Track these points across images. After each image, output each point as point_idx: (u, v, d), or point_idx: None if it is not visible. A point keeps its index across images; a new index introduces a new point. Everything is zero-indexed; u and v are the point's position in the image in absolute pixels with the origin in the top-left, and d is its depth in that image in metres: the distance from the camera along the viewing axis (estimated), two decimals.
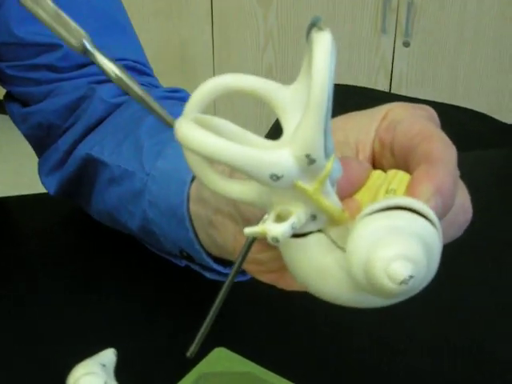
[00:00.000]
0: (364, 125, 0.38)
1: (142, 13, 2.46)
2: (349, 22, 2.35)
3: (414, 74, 2.38)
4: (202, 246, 0.54)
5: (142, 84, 0.70)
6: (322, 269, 0.28)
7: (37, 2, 0.24)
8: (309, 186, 0.27)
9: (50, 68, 0.68)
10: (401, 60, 2.36)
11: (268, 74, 2.44)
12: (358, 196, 0.32)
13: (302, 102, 0.27)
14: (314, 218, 0.29)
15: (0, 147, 2.49)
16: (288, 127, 0.27)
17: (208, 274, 0.58)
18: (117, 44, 0.70)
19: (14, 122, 0.73)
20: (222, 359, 0.54)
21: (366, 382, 0.56)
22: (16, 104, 0.72)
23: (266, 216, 0.29)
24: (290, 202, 0.28)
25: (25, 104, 0.71)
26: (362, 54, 2.39)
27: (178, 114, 0.61)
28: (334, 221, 0.29)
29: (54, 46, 0.66)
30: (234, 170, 0.26)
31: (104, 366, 0.33)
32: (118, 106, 0.67)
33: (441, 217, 0.31)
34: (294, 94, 0.28)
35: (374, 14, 2.31)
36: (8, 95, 0.73)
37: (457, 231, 0.37)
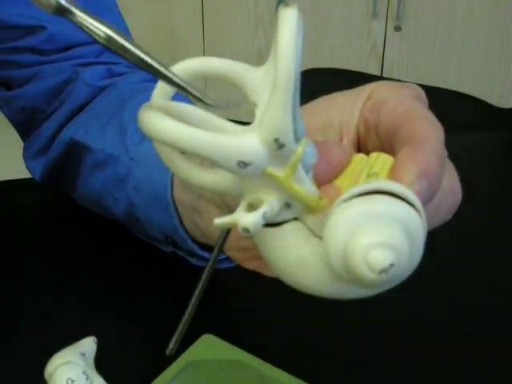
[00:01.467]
0: (348, 105, 0.37)
1: None
2: (340, 6, 2.34)
3: (406, 59, 2.37)
4: (186, 232, 0.53)
5: (128, 66, 0.69)
6: (299, 259, 0.27)
7: None
8: (280, 173, 0.26)
9: (33, 50, 0.66)
10: (392, 45, 2.35)
11: (259, 59, 2.43)
12: (338, 182, 0.31)
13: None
14: (288, 206, 0.27)
15: None
16: (258, 111, 0.26)
17: (194, 261, 0.57)
18: None
19: None
20: (209, 346, 0.54)
21: (359, 370, 0.55)
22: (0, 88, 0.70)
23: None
24: (261, 190, 0.26)
25: (8, 88, 0.69)
26: (353, 39, 2.37)
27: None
28: (310, 208, 0.27)
29: (37, 28, 0.65)
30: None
31: (83, 354, 0.32)
32: (103, 89, 0.66)
33: (427, 200, 0.30)
34: (264, 75, 0.26)
35: None
36: None
37: (445, 215, 0.35)
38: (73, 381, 0.30)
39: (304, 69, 1.21)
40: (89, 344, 0.34)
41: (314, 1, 2.35)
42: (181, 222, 0.53)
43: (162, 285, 0.63)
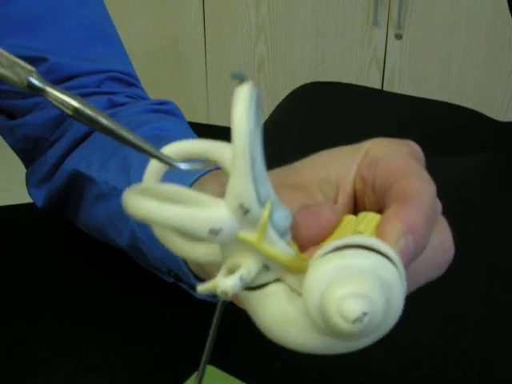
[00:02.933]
0: (345, 162, 0.37)
1: (133, 7, 2.44)
2: (341, 14, 2.34)
3: (407, 67, 2.37)
4: (189, 268, 0.54)
5: (129, 96, 0.69)
6: (284, 318, 0.28)
7: None
8: (251, 237, 0.27)
9: None
10: (393, 53, 2.36)
11: (260, 68, 2.44)
12: (327, 242, 0.31)
13: None
14: (267, 268, 0.28)
15: None
16: None
17: (196, 294, 0.58)
18: (104, 55, 0.70)
19: (1, 134, 0.72)
20: (210, 377, 0.54)
21: None
22: (2, 116, 0.71)
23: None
24: (239, 254, 0.28)
25: (11, 117, 0.70)
26: (354, 47, 2.38)
27: (164, 128, 0.61)
28: (290, 269, 0.28)
29: (38, 59, 0.66)
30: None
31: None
32: None
33: (413, 257, 0.30)
34: None
35: (365, 6, 2.30)
36: None
37: (437, 271, 0.35)
38: None
39: (306, 77, 1.21)
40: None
41: (315, 9, 2.35)
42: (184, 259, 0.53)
43: (164, 321, 0.64)
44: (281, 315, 0.28)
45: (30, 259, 0.71)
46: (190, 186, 0.51)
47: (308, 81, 1.47)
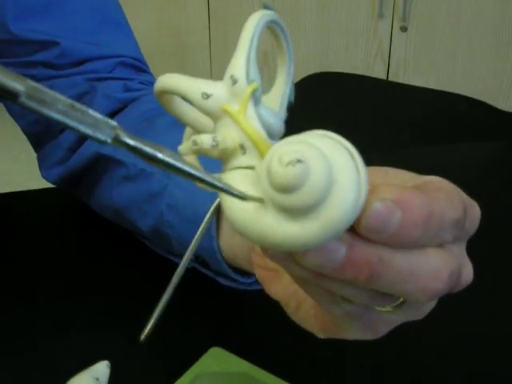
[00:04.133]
0: (404, 178, 0.35)
1: (138, 0, 2.45)
2: (346, 7, 2.34)
3: (412, 59, 2.37)
4: (222, 256, 0.54)
5: (141, 83, 0.70)
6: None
7: (43, 102, 0.23)
8: (234, 109, 0.30)
9: (46, 65, 0.67)
10: (398, 45, 2.35)
11: (265, 60, 2.43)
12: None
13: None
14: (243, 149, 0.30)
15: None
16: None
17: (222, 280, 0.58)
18: (114, 41, 0.71)
19: (13, 117, 0.73)
20: (217, 359, 0.55)
21: (364, 382, 0.56)
22: None
23: None
24: (224, 130, 0.30)
25: None
26: (360, 39, 2.38)
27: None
28: (262, 153, 0.29)
29: (50, 43, 0.66)
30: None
31: (97, 379, 0.33)
32: (124, 101, 0.67)
33: (387, 235, 0.28)
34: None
35: None
36: None
37: (421, 292, 0.31)
38: None
39: (311, 69, 1.22)
40: (102, 368, 0.35)
41: (320, 1, 2.35)
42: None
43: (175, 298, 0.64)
44: (241, 191, 0.29)
45: (38, 245, 0.72)
46: None
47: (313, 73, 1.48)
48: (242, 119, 0.30)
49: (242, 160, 0.30)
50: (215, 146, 0.30)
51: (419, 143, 1.19)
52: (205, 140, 0.30)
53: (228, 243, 0.53)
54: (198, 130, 0.33)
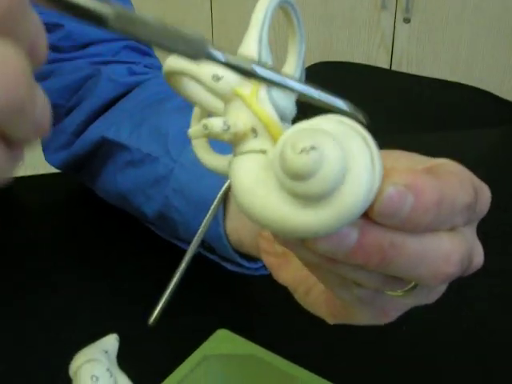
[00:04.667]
0: (415, 160, 0.35)
1: None
2: None
3: (415, 51, 2.36)
4: (229, 241, 0.54)
5: (146, 66, 0.70)
6: (254, 180, 0.28)
7: (133, 25, 0.23)
8: (246, 92, 0.30)
9: (50, 48, 0.67)
10: (401, 36, 2.35)
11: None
12: None
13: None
14: (254, 133, 0.29)
15: None
16: None
17: (228, 266, 0.58)
18: None
19: None
20: (224, 341, 0.55)
21: (373, 365, 0.56)
22: None
23: None
24: (235, 113, 0.30)
25: None
26: (362, 31, 2.37)
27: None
28: (274, 137, 0.29)
29: (55, 26, 0.66)
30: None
31: (106, 352, 0.33)
32: (129, 85, 0.66)
33: (399, 219, 0.28)
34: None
35: None
36: None
37: (430, 274, 0.31)
38: (97, 378, 0.31)
39: (314, 61, 1.21)
40: (111, 342, 0.35)
41: None
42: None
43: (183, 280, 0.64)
44: (253, 177, 0.28)
45: (44, 228, 0.72)
46: None
47: None
48: (254, 102, 0.29)
49: (253, 144, 0.29)
50: (226, 129, 0.29)
51: (421, 131, 1.19)
52: (216, 124, 0.29)
53: (234, 228, 0.53)
54: (207, 111, 0.33)
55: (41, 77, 0.68)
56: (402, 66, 2.38)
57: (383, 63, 2.38)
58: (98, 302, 0.62)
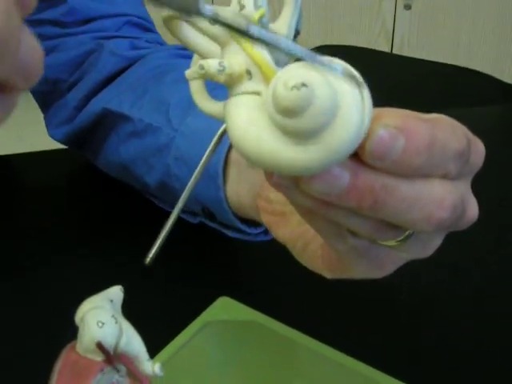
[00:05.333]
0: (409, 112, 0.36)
1: None
2: None
3: (415, 38, 2.37)
4: (229, 206, 0.55)
5: (148, 41, 0.70)
6: (248, 119, 0.29)
7: None
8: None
9: (54, 23, 0.68)
10: (402, 23, 2.35)
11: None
12: None
13: None
14: (249, 75, 0.30)
15: None
16: None
17: (229, 232, 0.59)
18: (121, 0, 0.71)
19: None
20: (226, 308, 0.56)
21: (373, 331, 0.57)
22: None
23: None
24: (232, 55, 0.30)
25: None
26: (363, 17, 2.37)
27: None
28: (268, 78, 0.29)
29: (58, 1, 0.67)
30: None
31: (111, 301, 0.34)
32: (130, 59, 0.67)
33: (390, 161, 0.28)
34: None
35: None
36: None
37: (424, 219, 0.31)
38: (103, 323, 0.32)
39: (314, 46, 1.21)
40: (116, 292, 0.35)
41: None
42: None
43: (187, 248, 0.65)
44: (246, 116, 0.29)
45: (45, 207, 0.72)
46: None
47: None
48: (248, 45, 0.30)
49: (248, 85, 0.30)
50: (222, 70, 0.30)
51: (422, 111, 1.19)
52: (212, 64, 0.30)
53: (235, 193, 0.54)
54: (204, 56, 0.33)
55: (44, 52, 0.69)
56: (403, 52, 2.38)
57: (384, 49, 2.38)
58: (99, 282, 0.62)
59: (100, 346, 0.31)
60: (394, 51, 2.39)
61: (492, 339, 0.56)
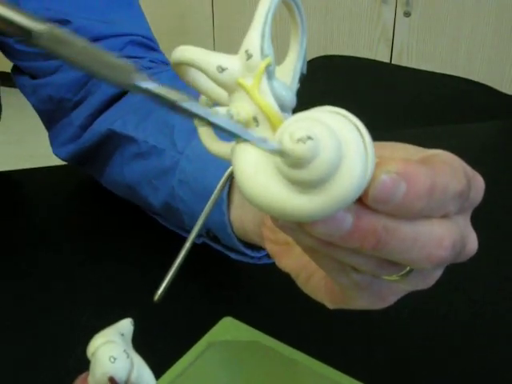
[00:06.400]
0: (410, 151, 0.36)
1: None
2: None
3: (415, 44, 2.37)
4: (233, 231, 0.55)
5: (152, 61, 0.71)
6: (255, 165, 0.30)
7: (62, 44, 0.23)
8: (248, 83, 0.31)
9: None
10: (401, 30, 2.36)
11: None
12: None
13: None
14: (256, 122, 0.31)
15: (2, 120, 2.48)
16: None
17: (232, 255, 0.60)
18: (124, 19, 0.71)
19: (24, 94, 0.74)
20: (229, 328, 0.56)
21: (375, 352, 0.58)
22: (26, 77, 0.73)
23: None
24: (238, 103, 0.31)
25: (34, 77, 0.72)
26: (363, 24, 2.38)
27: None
28: (275, 126, 0.30)
29: (63, 22, 0.67)
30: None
31: (122, 335, 0.35)
32: None
33: (392, 206, 0.29)
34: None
35: None
36: (16, 68, 0.74)
37: (424, 259, 0.32)
38: (115, 358, 0.33)
39: (315, 53, 1.22)
40: (127, 325, 0.36)
41: None
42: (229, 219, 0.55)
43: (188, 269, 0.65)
44: (253, 164, 0.30)
45: (47, 221, 0.73)
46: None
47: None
48: (255, 93, 0.31)
49: (255, 132, 0.31)
50: (229, 118, 0.31)
51: (421, 124, 1.20)
52: (219, 113, 0.31)
53: (238, 218, 0.55)
54: (212, 100, 0.34)
55: (49, 71, 0.70)
56: (403, 59, 2.39)
57: (383, 56, 2.39)
58: (105, 292, 0.63)
59: (112, 381, 0.32)
60: (394, 58, 2.40)
61: (485, 356, 0.57)
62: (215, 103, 0.35)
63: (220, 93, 0.34)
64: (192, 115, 0.28)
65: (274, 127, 0.30)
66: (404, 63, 2.38)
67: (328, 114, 0.29)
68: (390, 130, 1.09)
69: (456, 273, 0.65)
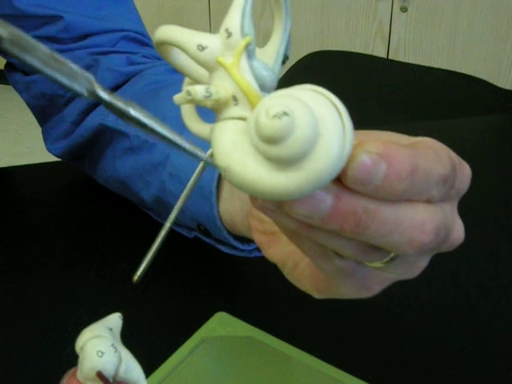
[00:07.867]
0: (395, 137, 0.35)
1: None
2: None
3: (412, 40, 2.37)
4: (223, 224, 0.55)
5: (145, 56, 0.71)
6: (232, 144, 0.30)
7: (25, 49, 0.23)
8: (227, 62, 0.31)
9: (50, 39, 0.68)
10: (398, 25, 2.36)
11: (265, 41, 2.43)
12: None
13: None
14: (235, 100, 0.31)
15: None
16: None
17: (223, 248, 0.60)
18: (117, 15, 0.71)
19: (17, 90, 0.74)
20: (222, 324, 0.56)
21: (368, 347, 0.58)
22: (18, 73, 0.72)
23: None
24: (218, 81, 0.31)
25: (26, 74, 0.72)
26: (360, 20, 2.38)
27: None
28: (253, 104, 0.30)
29: (54, 18, 0.67)
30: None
31: (111, 329, 0.35)
32: (128, 74, 0.68)
33: (373, 187, 0.29)
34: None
35: None
36: (9, 65, 0.74)
37: (406, 242, 0.31)
38: (103, 353, 0.33)
39: (311, 48, 1.22)
40: (115, 320, 0.36)
41: None
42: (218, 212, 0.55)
43: (183, 264, 0.65)
44: (231, 141, 0.30)
45: (41, 217, 0.73)
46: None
47: None
48: (234, 71, 0.31)
49: (234, 111, 0.31)
50: (208, 96, 0.31)
51: (417, 119, 1.20)
52: (198, 90, 0.31)
53: (227, 210, 0.55)
54: (194, 80, 0.34)
55: None
56: (399, 54, 2.39)
57: (380, 52, 2.39)
58: (97, 288, 0.63)
59: (100, 375, 0.32)
60: (391, 53, 2.40)
61: (484, 352, 0.57)
62: (197, 83, 0.35)
63: (201, 73, 0.34)
64: (140, 124, 0.29)
65: (252, 106, 0.30)
66: (401, 59, 2.37)
67: (306, 92, 0.29)
68: (385, 125, 1.09)
69: (451, 267, 0.65)
